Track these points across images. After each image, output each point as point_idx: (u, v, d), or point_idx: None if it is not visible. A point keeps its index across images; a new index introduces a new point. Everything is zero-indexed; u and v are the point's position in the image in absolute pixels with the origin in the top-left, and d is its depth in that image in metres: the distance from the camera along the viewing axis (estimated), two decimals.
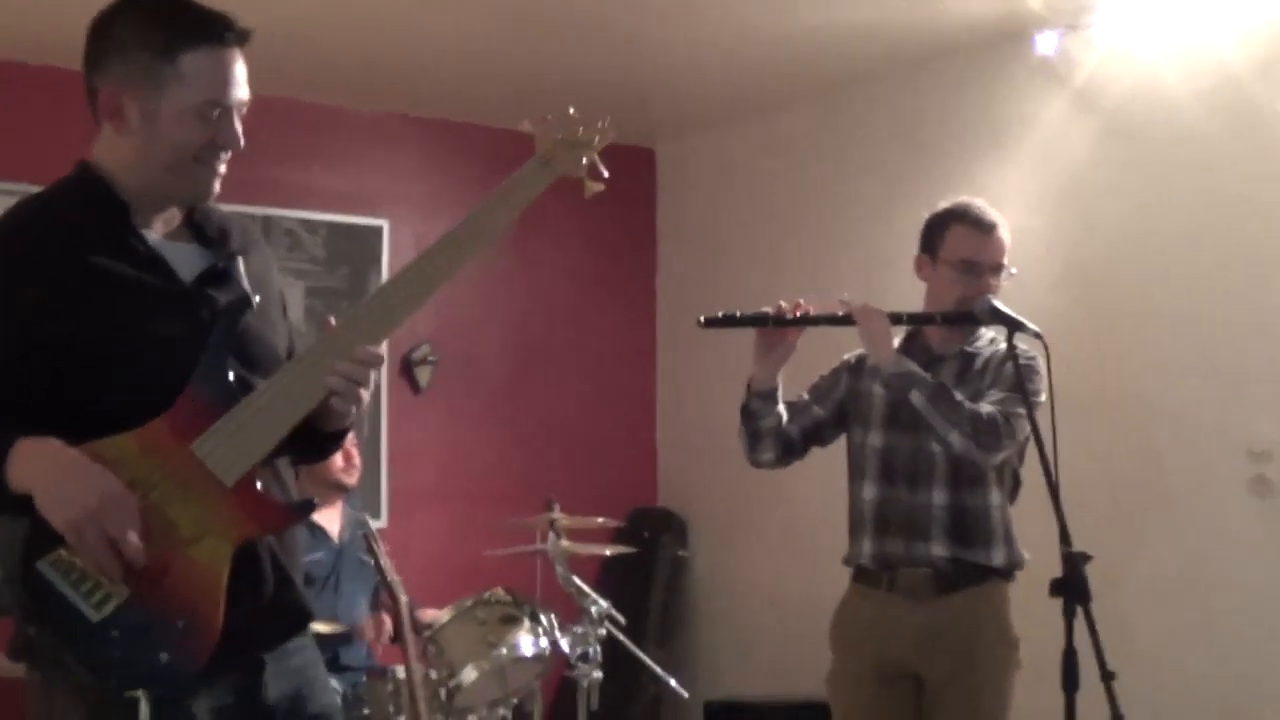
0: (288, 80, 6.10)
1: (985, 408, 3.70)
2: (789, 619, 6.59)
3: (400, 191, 6.82)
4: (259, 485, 2.46)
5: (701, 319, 3.88)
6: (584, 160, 2.72)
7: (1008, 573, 3.85)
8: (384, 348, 2.58)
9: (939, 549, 3.80)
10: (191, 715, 2.45)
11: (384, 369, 6.56)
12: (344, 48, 5.89)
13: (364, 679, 5.00)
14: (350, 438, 5.36)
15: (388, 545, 5.56)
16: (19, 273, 2.43)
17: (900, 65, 6.09)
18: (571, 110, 2.74)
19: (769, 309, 3.87)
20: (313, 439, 2.63)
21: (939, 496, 3.81)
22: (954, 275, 3.87)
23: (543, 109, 2.72)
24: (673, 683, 5.11)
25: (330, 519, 5.43)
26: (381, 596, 5.52)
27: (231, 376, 2.47)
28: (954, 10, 5.41)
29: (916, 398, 3.70)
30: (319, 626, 4.78)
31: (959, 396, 3.70)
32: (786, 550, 6.62)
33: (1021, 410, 3.64)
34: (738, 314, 3.88)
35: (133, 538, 2.32)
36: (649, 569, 7.01)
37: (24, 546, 2.35)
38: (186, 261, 2.57)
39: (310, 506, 2.60)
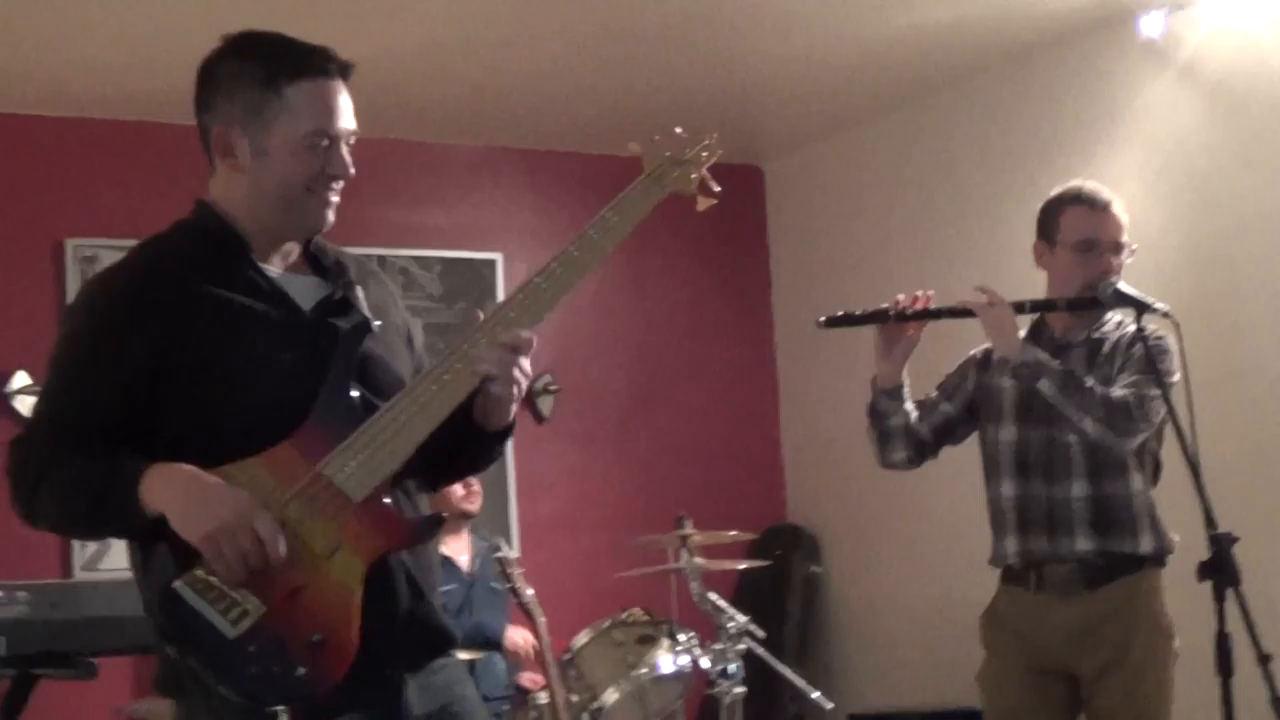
0: (390, 121, 6.16)
1: (1117, 392, 3.63)
2: (928, 628, 6.51)
3: (511, 224, 6.86)
4: (387, 501, 2.48)
5: (821, 319, 3.85)
6: (693, 176, 2.73)
7: (1158, 559, 3.76)
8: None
9: (1084, 542, 3.71)
10: None
11: None
12: (444, 84, 5.95)
13: (505, 707, 5.00)
14: None
15: (523, 571, 5.60)
16: (145, 308, 2.48)
17: (1002, 58, 6.03)
18: (678, 129, 2.75)
19: (888, 305, 3.83)
20: (477, 442, 2.66)
21: (1078, 488, 3.73)
22: (1074, 258, 3.80)
23: (645, 133, 2.73)
24: (816, 695, 5.04)
25: (458, 550, 5.46)
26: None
27: (355, 398, 2.51)
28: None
29: (1046, 386, 3.63)
30: (460, 654, 4.82)
31: (1090, 382, 3.63)
32: (920, 558, 6.55)
33: (1155, 391, 3.57)
34: (857, 312, 3.85)
35: (271, 547, 2.35)
36: (783, 587, 6.96)
37: (163, 569, 2.38)
38: (306, 293, 2.61)
39: (439, 521, 2.61)
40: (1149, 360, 3.55)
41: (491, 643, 5.21)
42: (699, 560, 5.03)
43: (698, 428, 7.22)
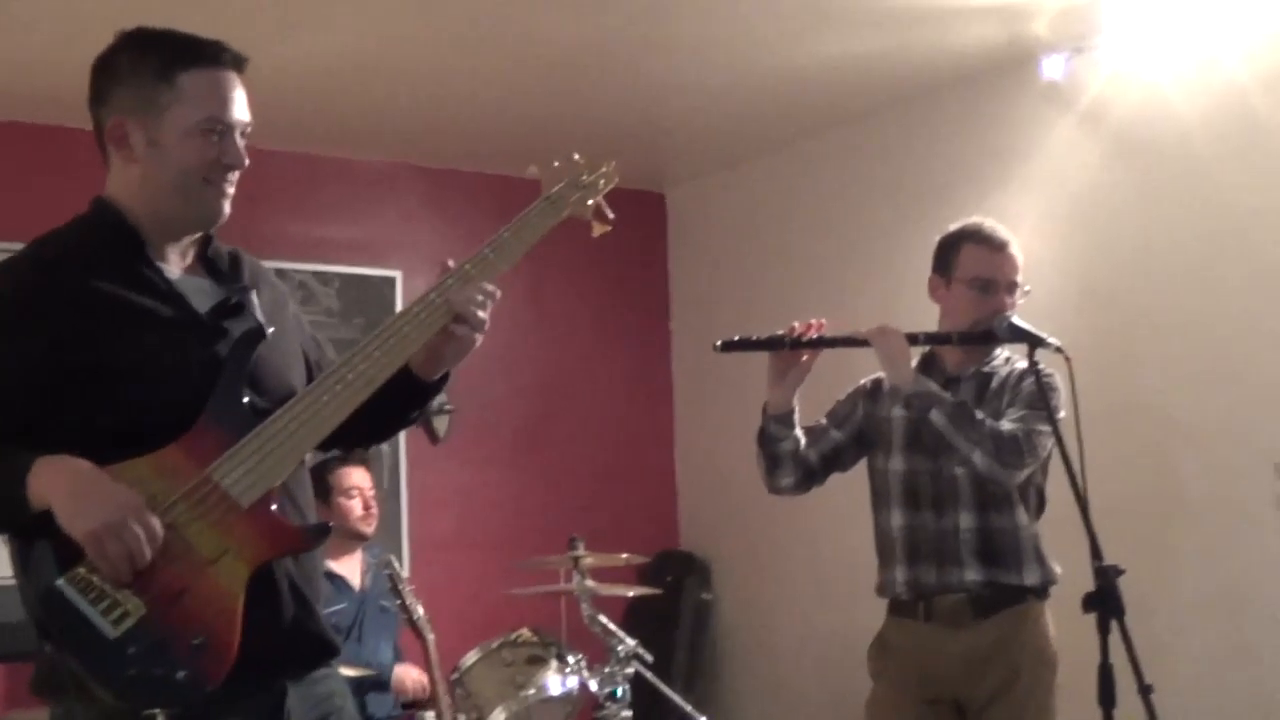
0: (294, 133, 6.14)
1: (1006, 426, 3.68)
2: (818, 657, 6.55)
3: (412, 241, 6.83)
4: (274, 508, 2.47)
5: (718, 343, 3.86)
6: (590, 202, 2.81)
7: (1042, 590, 3.81)
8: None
9: (973, 573, 3.76)
10: None
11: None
12: (349, 98, 5.92)
13: None
14: (368, 487, 5.41)
15: (414, 587, 5.56)
16: (37, 303, 2.46)
17: (908, 95, 6.10)
18: (576, 156, 2.80)
19: (783, 331, 3.86)
20: (412, 392, 2.71)
21: (966, 520, 3.77)
22: (969, 294, 3.85)
23: (548, 155, 2.78)
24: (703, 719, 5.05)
25: (350, 568, 5.42)
26: (399, 643, 5.51)
27: (246, 402, 2.51)
28: (961, 39, 5.43)
29: (937, 417, 3.67)
30: (346, 670, 4.77)
31: (980, 415, 3.68)
32: (812, 586, 6.58)
33: (1043, 427, 3.63)
34: (753, 337, 3.87)
35: (153, 547, 2.33)
36: (674, 613, 6.97)
37: (45, 566, 2.34)
38: (201, 295, 2.61)
39: (325, 529, 2.61)
40: (1041, 395, 3.59)
41: (380, 682, 5.17)
42: (590, 583, 5.02)
43: (594, 450, 7.22)
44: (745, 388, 4.07)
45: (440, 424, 6.76)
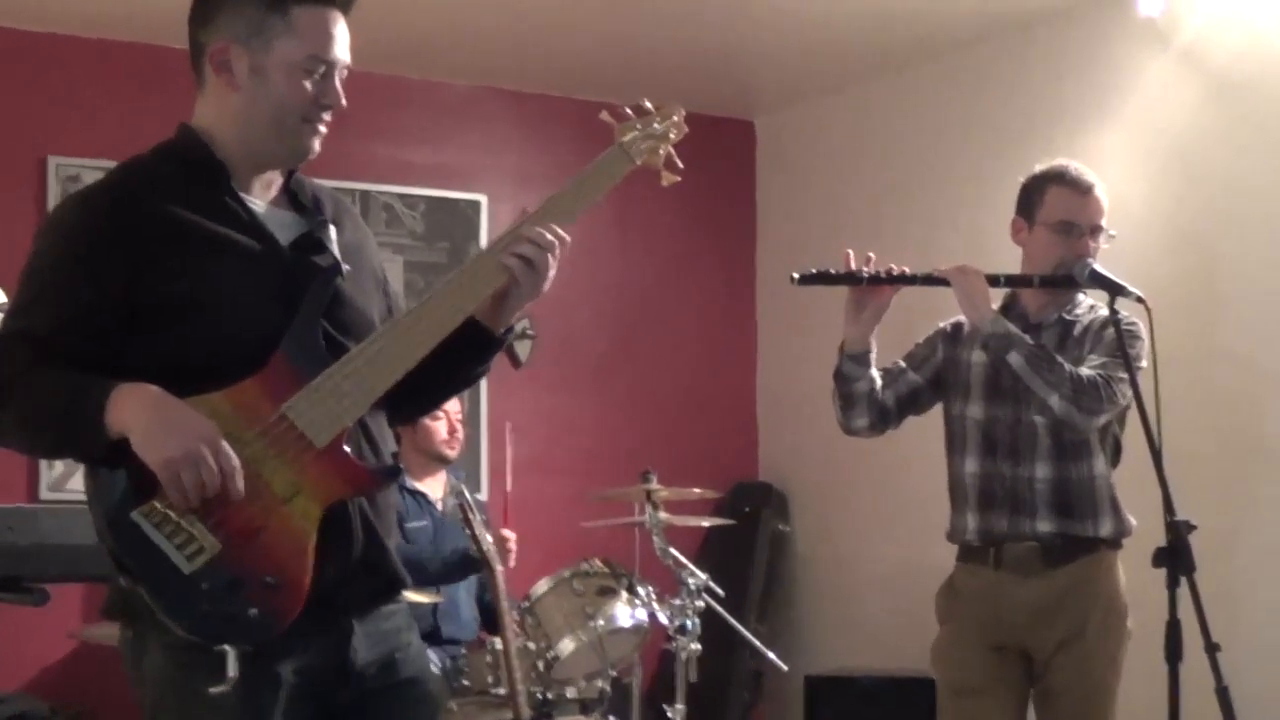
0: (383, 56, 6.11)
1: (1086, 371, 3.63)
2: (892, 593, 6.52)
3: (496, 165, 6.81)
4: (348, 448, 2.48)
5: (795, 275, 3.83)
6: (661, 151, 2.77)
7: (1116, 542, 3.78)
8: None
9: (1045, 523, 3.72)
10: (276, 675, 2.47)
11: None
12: (437, 19, 5.89)
13: (464, 651, 5.00)
14: (455, 412, 5.42)
15: (487, 517, 5.58)
16: (118, 233, 2.45)
17: (1001, 29, 5.98)
18: (647, 102, 2.78)
19: (863, 266, 3.82)
20: (479, 345, 2.67)
21: (1042, 470, 3.73)
22: (1052, 237, 3.79)
23: (637, 82, 2.77)
24: (771, 656, 5.05)
25: (434, 487, 5.45)
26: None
27: (323, 341, 2.50)
28: None
29: (1015, 359, 3.62)
30: (419, 596, 4.82)
31: (1059, 359, 3.62)
32: (890, 523, 6.55)
33: (1123, 374, 3.58)
34: (832, 271, 3.83)
35: (232, 482, 2.35)
36: (750, 543, 6.95)
37: (120, 497, 2.36)
38: (283, 227, 2.60)
39: (396, 471, 2.63)
40: (1119, 343, 3.54)
41: (469, 561, 5.15)
42: (663, 515, 5.02)
43: (674, 378, 7.20)
44: (830, 319, 4.03)
45: (522, 349, 6.76)
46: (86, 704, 5.44)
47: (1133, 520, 3.78)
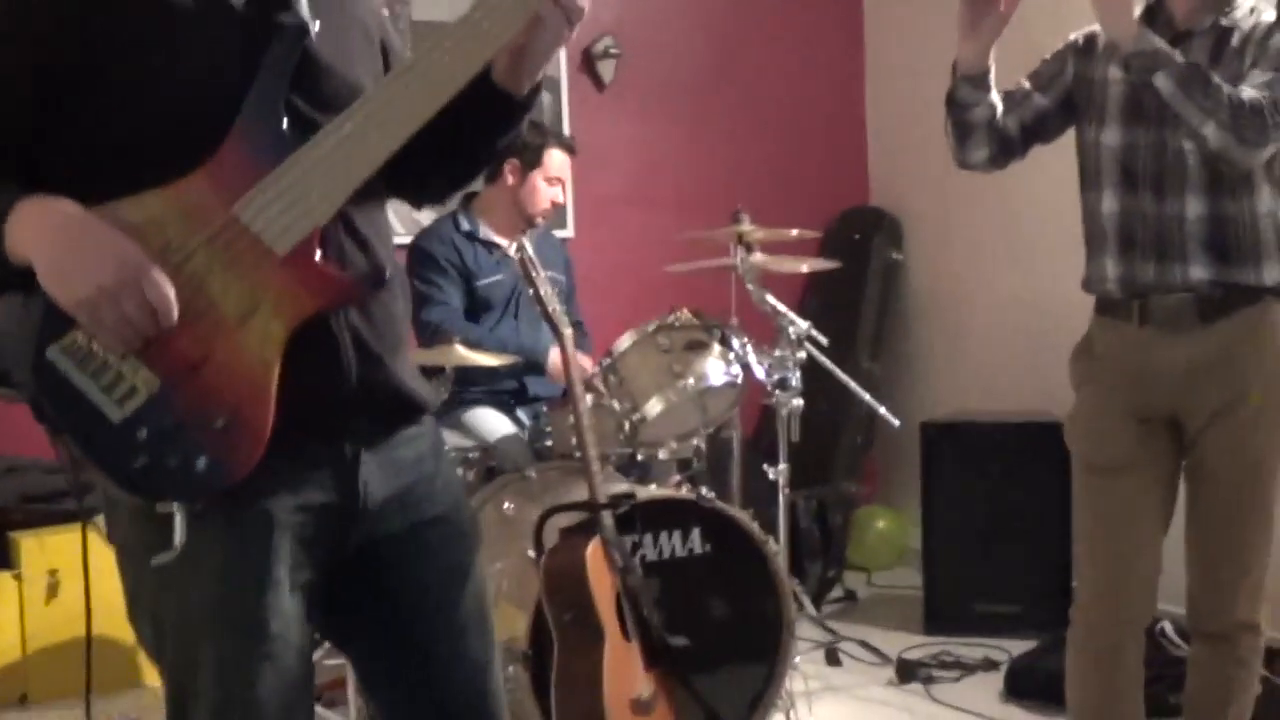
0: None
1: (1248, 92, 3.00)
2: (1011, 328, 6.02)
3: None
4: (321, 253, 2.00)
5: None
6: None
7: None
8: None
9: (1198, 270, 3.15)
10: (267, 514, 2.03)
11: (563, 62, 6.03)
12: None
13: (545, 409, 4.59)
14: (569, 182, 4.91)
15: (569, 257, 5.13)
16: None
17: None
18: None
19: None
20: (500, 111, 2.19)
21: (1194, 206, 3.14)
22: None
23: None
24: (883, 410, 4.58)
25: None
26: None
27: (286, 122, 1.99)
28: None
29: (1163, 81, 3.01)
30: (494, 359, 4.39)
31: (1216, 79, 3.01)
32: (1012, 254, 6.00)
33: None
34: None
35: (164, 314, 1.89)
36: (861, 275, 6.44)
37: (34, 332, 1.92)
38: None
39: (381, 276, 2.10)
40: None
41: (536, 365, 4.76)
42: (758, 257, 4.52)
43: (776, 99, 6.57)
44: (944, 25, 3.42)
45: (606, 69, 6.18)
46: None
47: None
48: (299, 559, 2.08)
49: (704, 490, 4.04)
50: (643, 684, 3.54)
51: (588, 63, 6.16)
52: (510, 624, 3.86)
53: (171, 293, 1.90)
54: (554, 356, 4.71)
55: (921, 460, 5.56)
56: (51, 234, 1.89)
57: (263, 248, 1.95)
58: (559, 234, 5.64)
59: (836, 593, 6.00)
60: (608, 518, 3.58)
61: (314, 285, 1.99)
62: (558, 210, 5.09)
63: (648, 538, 3.94)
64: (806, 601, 5.46)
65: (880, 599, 6.06)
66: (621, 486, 4.07)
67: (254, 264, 1.95)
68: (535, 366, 4.78)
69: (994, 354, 6.16)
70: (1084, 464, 3.33)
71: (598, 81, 6.21)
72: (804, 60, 6.67)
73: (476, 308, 4.90)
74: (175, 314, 1.90)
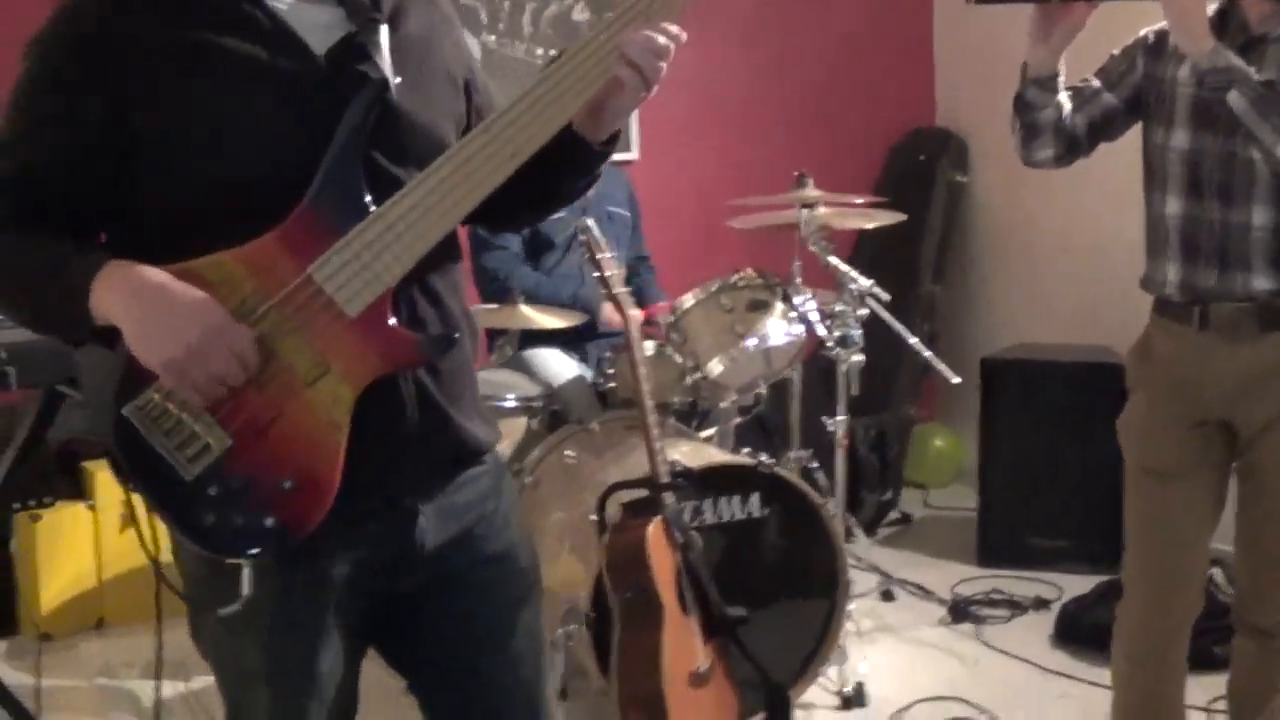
0: None
1: None
2: (1076, 258, 6.01)
3: None
4: (392, 315, 2.04)
5: None
6: None
7: None
8: None
9: (1262, 280, 3.14)
10: (323, 578, 2.12)
11: None
12: None
13: (608, 354, 4.62)
14: None
15: (633, 188, 5.12)
16: (103, 54, 1.98)
17: None
18: None
19: None
20: (575, 158, 2.22)
21: (1260, 215, 3.13)
22: None
23: None
24: (942, 367, 4.61)
25: None
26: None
27: (365, 180, 2.02)
28: None
29: (1236, 100, 2.99)
30: (557, 320, 4.44)
31: None
32: (1080, 184, 5.95)
33: None
34: None
35: (249, 370, 1.97)
36: (925, 196, 6.42)
37: (115, 387, 2.00)
38: (319, 29, 2.07)
39: (451, 340, 2.14)
40: None
41: (589, 314, 4.78)
42: (821, 210, 4.53)
43: (841, 19, 6.51)
44: None
45: None
46: None
47: None
48: (351, 604, 2.16)
49: (763, 457, 4.09)
50: (701, 657, 3.63)
51: None
52: (570, 576, 3.96)
53: (253, 347, 1.96)
54: (605, 311, 4.73)
55: (981, 394, 5.61)
56: (137, 298, 1.94)
57: (335, 309, 1.99)
58: (623, 156, 5.64)
59: (893, 515, 6.08)
60: (669, 497, 3.64)
61: (384, 349, 2.03)
62: None
63: (707, 503, 4.01)
64: (862, 537, 5.53)
65: (935, 522, 6.16)
66: (683, 448, 4.14)
67: (326, 326, 1.99)
68: (590, 314, 4.78)
69: (1057, 284, 6.16)
70: (1135, 466, 3.36)
71: None
72: None
73: (539, 247, 4.92)
74: (256, 363, 1.97)
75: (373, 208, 2.01)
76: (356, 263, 2.00)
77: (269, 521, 2.00)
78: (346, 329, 2.01)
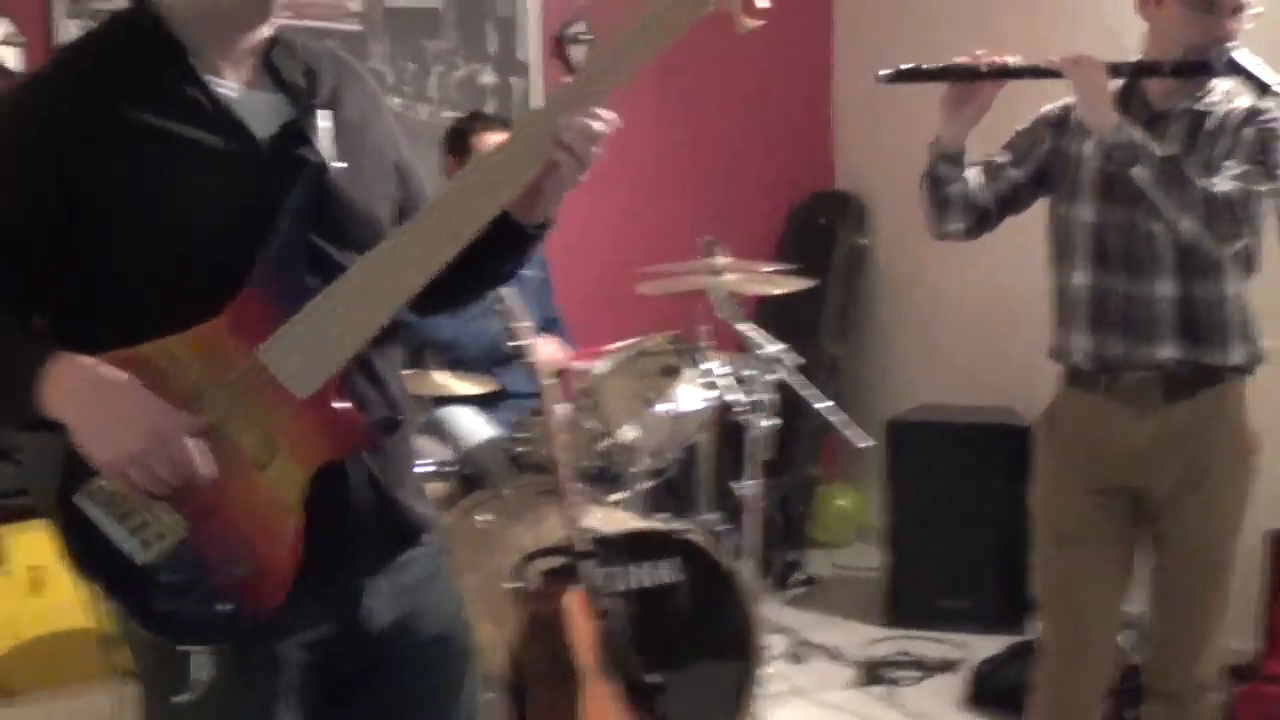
0: None
1: (1223, 186, 3.08)
2: (973, 317, 6.11)
3: None
4: (337, 398, 2.06)
5: (883, 73, 3.32)
6: None
7: (1246, 369, 3.30)
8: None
9: (1168, 349, 3.24)
10: (274, 658, 2.12)
11: (532, 49, 6.04)
12: None
13: (527, 413, 4.61)
14: None
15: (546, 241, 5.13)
16: (51, 135, 2.00)
17: None
18: None
19: (964, 59, 3.28)
20: (510, 241, 2.24)
21: (1165, 287, 3.23)
22: (1185, 14, 3.19)
23: None
24: (847, 433, 4.68)
25: None
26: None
27: (307, 264, 2.05)
28: None
29: (1141, 174, 3.09)
30: (472, 388, 4.45)
31: (1191, 175, 3.09)
32: (979, 247, 6.02)
33: (1264, 186, 3.09)
34: (924, 67, 3.30)
35: (197, 470, 1.97)
36: (825, 259, 6.49)
37: (61, 473, 1.99)
38: (261, 115, 2.11)
39: (396, 424, 2.17)
40: (1261, 147, 3.03)
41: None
42: (729, 277, 4.58)
43: (742, 82, 6.57)
44: (914, 8, 3.45)
45: (576, 53, 6.19)
46: None
47: (1266, 343, 3.31)
48: (301, 683, 2.16)
49: (675, 524, 4.12)
50: None
51: (559, 47, 6.17)
52: (484, 642, 3.95)
53: (198, 458, 1.96)
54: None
55: (887, 455, 5.67)
56: (85, 396, 1.94)
57: (283, 393, 2.01)
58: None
59: (798, 575, 6.13)
60: (587, 564, 3.67)
61: (332, 430, 2.05)
62: None
63: (620, 569, 4.02)
64: (770, 600, 5.56)
65: (842, 582, 6.20)
66: (597, 514, 4.16)
67: (275, 408, 2.01)
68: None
69: (959, 343, 6.24)
70: (1043, 533, 3.45)
71: (569, 66, 6.21)
72: (771, 44, 6.66)
73: None
74: (204, 474, 1.97)
75: (316, 290, 2.03)
76: (304, 345, 2.01)
77: (222, 608, 2.01)
78: (295, 411, 2.02)
